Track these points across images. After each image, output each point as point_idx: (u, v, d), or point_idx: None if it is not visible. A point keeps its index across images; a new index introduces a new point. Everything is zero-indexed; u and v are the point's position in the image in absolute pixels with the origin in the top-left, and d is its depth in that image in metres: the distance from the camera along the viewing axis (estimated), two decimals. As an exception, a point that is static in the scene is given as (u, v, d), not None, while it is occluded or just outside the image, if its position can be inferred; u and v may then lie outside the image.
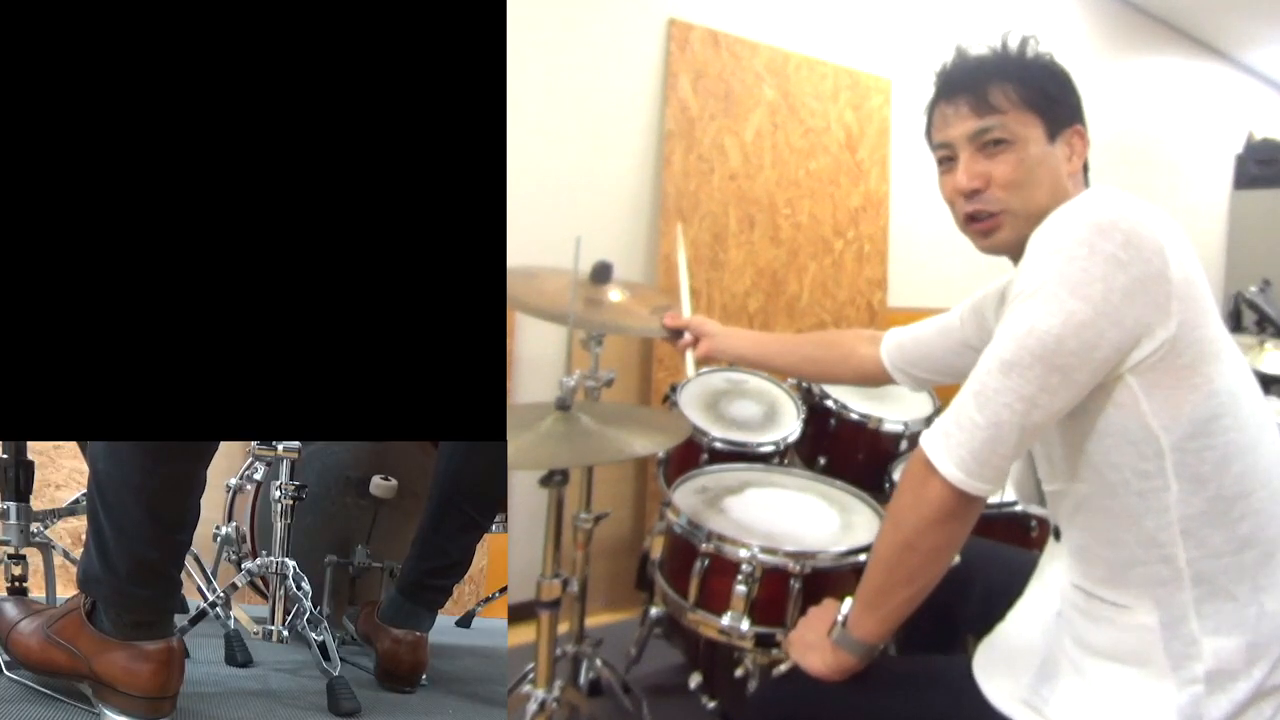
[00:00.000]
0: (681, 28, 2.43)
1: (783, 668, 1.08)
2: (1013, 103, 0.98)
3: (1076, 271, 0.84)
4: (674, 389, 1.94)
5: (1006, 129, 0.98)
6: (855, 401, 2.00)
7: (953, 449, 0.89)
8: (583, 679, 1.79)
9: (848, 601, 1.03)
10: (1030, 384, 0.86)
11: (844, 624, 1.01)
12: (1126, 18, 3.97)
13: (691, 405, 1.92)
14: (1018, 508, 1.60)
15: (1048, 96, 0.99)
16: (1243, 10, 4.00)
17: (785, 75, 2.65)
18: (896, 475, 1.78)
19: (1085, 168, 1.04)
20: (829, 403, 1.99)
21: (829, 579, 1.33)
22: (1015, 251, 0.99)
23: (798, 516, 1.51)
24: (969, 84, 1.00)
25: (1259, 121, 4.91)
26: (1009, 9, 3.26)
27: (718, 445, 1.80)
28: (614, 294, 1.69)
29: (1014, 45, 1.02)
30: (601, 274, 1.67)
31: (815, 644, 1.03)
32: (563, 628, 1.50)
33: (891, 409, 1.98)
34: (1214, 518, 0.87)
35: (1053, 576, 1.01)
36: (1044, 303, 0.85)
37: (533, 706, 1.34)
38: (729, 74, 2.52)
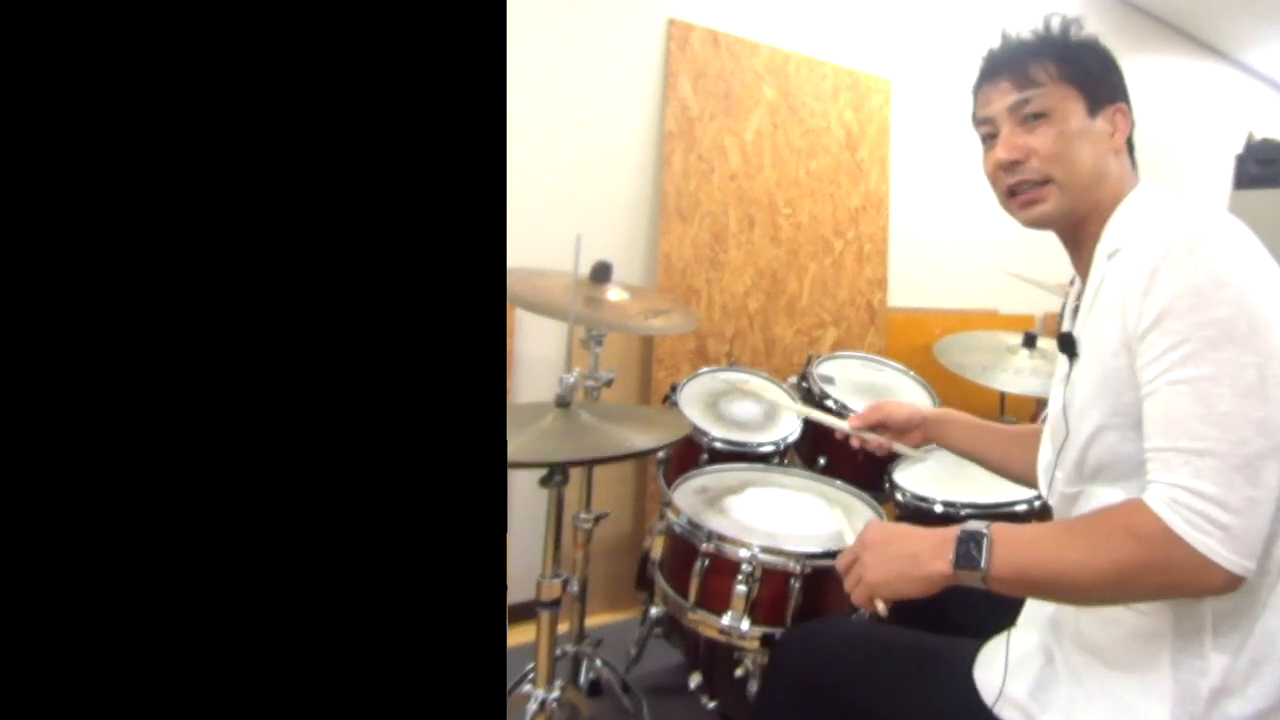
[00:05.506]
0: (681, 28, 2.43)
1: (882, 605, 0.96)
2: (1052, 77, 0.97)
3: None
4: (674, 389, 1.94)
5: (1045, 101, 0.96)
6: (855, 401, 2.00)
7: (1240, 539, 0.78)
8: (583, 679, 1.80)
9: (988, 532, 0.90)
10: None
11: (987, 547, 0.87)
12: (1126, 18, 3.97)
13: (691, 405, 1.92)
14: (1019, 508, 1.60)
15: (1088, 72, 0.97)
16: (1243, 10, 3.99)
17: (785, 75, 2.65)
18: (896, 475, 1.78)
19: (1131, 149, 1.01)
20: (829, 403, 1.99)
21: (829, 579, 1.33)
22: (1059, 224, 0.98)
23: (798, 516, 1.51)
24: (1011, 61, 1.00)
25: (1259, 121, 4.90)
26: (1010, 9, 3.26)
27: (718, 445, 1.80)
28: (613, 293, 1.70)
29: (1056, 27, 1.01)
30: (601, 274, 1.68)
31: (923, 557, 0.91)
32: (563, 628, 1.50)
33: (891, 409, 1.98)
34: None
35: None
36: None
37: (533, 706, 1.34)
38: (729, 74, 2.52)
